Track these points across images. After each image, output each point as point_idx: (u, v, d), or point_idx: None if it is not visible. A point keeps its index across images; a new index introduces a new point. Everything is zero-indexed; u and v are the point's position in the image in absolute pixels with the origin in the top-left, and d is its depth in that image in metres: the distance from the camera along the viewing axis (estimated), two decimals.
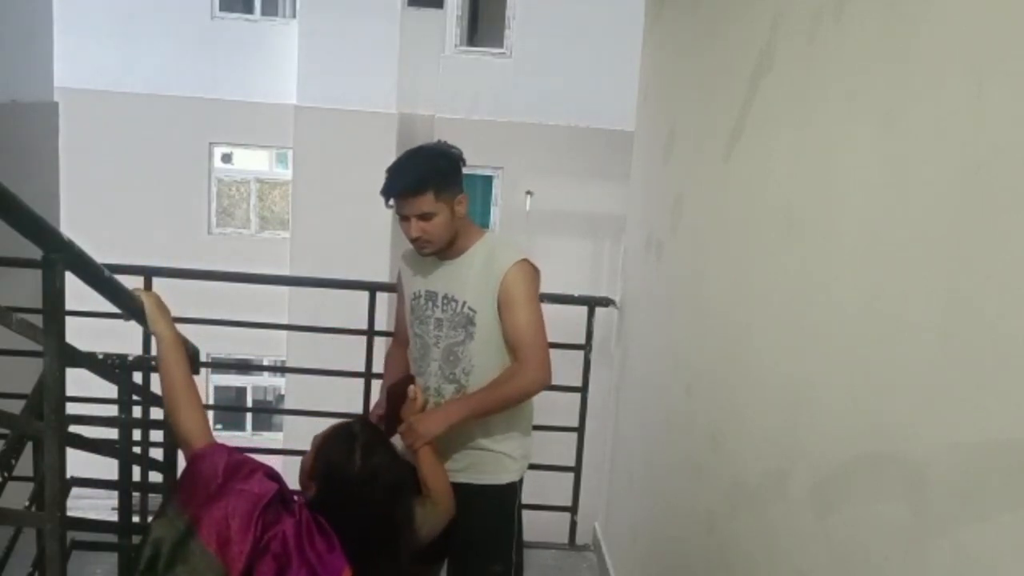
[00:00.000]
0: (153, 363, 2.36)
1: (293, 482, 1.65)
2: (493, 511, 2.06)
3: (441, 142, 2.00)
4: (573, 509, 3.44)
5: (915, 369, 1.02)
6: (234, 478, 1.43)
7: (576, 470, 3.42)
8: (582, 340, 3.33)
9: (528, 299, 1.93)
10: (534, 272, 1.98)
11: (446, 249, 1.98)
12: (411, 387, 1.96)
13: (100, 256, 1.73)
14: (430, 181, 1.87)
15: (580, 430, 3.40)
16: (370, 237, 9.22)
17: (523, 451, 2.10)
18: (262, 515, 1.41)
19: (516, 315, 1.92)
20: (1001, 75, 0.89)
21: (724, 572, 1.72)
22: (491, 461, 2.03)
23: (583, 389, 3.35)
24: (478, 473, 2.03)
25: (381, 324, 3.43)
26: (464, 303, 1.96)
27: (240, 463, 1.47)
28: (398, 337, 2.25)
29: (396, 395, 1.97)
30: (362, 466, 1.58)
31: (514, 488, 2.09)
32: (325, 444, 1.64)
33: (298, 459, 1.74)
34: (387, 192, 1.90)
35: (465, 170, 1.99)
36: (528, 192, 9.10)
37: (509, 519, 2.09)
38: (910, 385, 1.03)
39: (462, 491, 1.96)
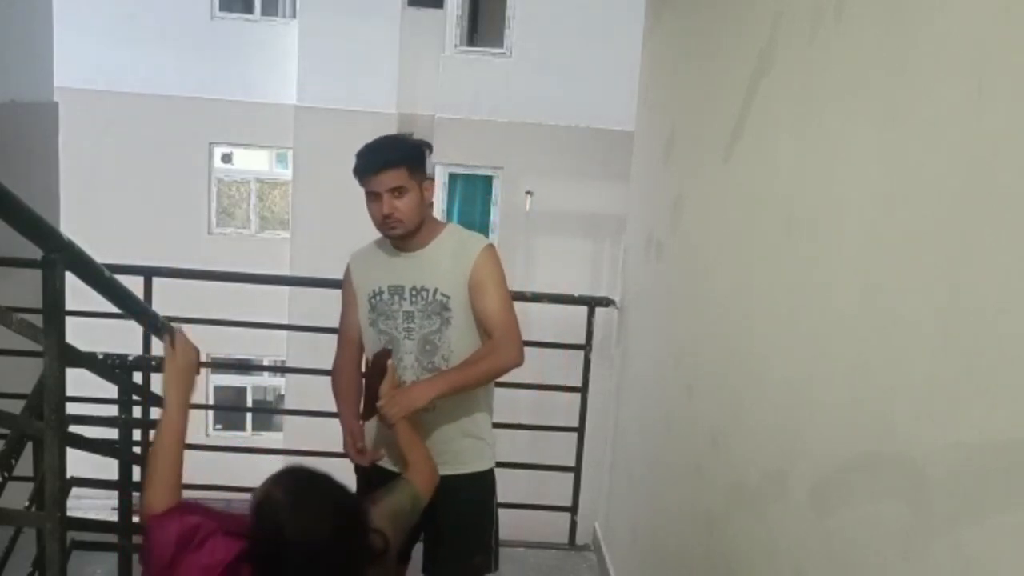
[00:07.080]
0: (154, 363, 2.37)
1: None
2: (475, 500, 2.08)
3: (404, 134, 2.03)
4: (573, 509, 3.44)
5: (915, 369, 1.02)
6: (187, 548, 1.34)
7: (576, 470, 3.41)
8: (582, 340, 3.33)
9: (500, 282, 2.00)
10: (498, 256, 2.05)
11: (409, 240, 2.00)
12: (388, 362, 1.94)
13: (100, 256, 1.73)
14: (404, 157, 1.94)
15: (580, 430, 3.40)
16: (370, 237, 9.20)
17: (492, 435, 2.13)
18: None
19: (490, 297, 1.97)
20: (1001, 75, 0.89)
21: (724, 572, 1.72)
22: (472, 449, 2.06)
23: (583, 389, 3.35)
24: (460, 464, 2.04)
25: None
26: (436, 290, 1.98)
27: (193, 528, 1.36)
28: (345, 346, 2.19)
29: (374, 371, 1.95)
30: (293, 528, 1.25)
31: (492, 475, 2.12)
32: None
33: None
34: (366, 167, 1.93)
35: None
36: (528, 192, 9.09)
37: (489, 508, 2.12)
38: (910, 385, 1.03)
39: (445, 483, 1.95)
